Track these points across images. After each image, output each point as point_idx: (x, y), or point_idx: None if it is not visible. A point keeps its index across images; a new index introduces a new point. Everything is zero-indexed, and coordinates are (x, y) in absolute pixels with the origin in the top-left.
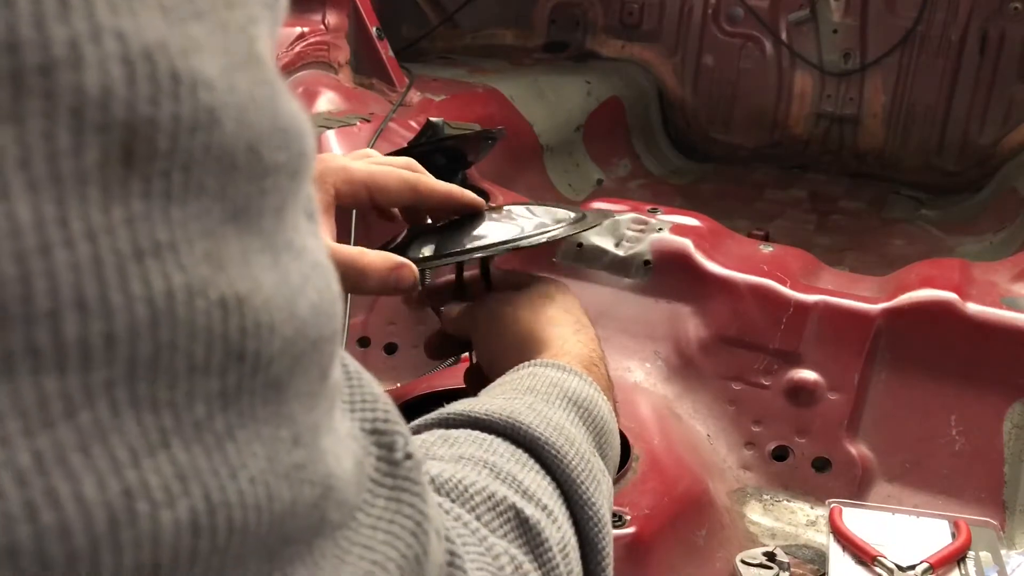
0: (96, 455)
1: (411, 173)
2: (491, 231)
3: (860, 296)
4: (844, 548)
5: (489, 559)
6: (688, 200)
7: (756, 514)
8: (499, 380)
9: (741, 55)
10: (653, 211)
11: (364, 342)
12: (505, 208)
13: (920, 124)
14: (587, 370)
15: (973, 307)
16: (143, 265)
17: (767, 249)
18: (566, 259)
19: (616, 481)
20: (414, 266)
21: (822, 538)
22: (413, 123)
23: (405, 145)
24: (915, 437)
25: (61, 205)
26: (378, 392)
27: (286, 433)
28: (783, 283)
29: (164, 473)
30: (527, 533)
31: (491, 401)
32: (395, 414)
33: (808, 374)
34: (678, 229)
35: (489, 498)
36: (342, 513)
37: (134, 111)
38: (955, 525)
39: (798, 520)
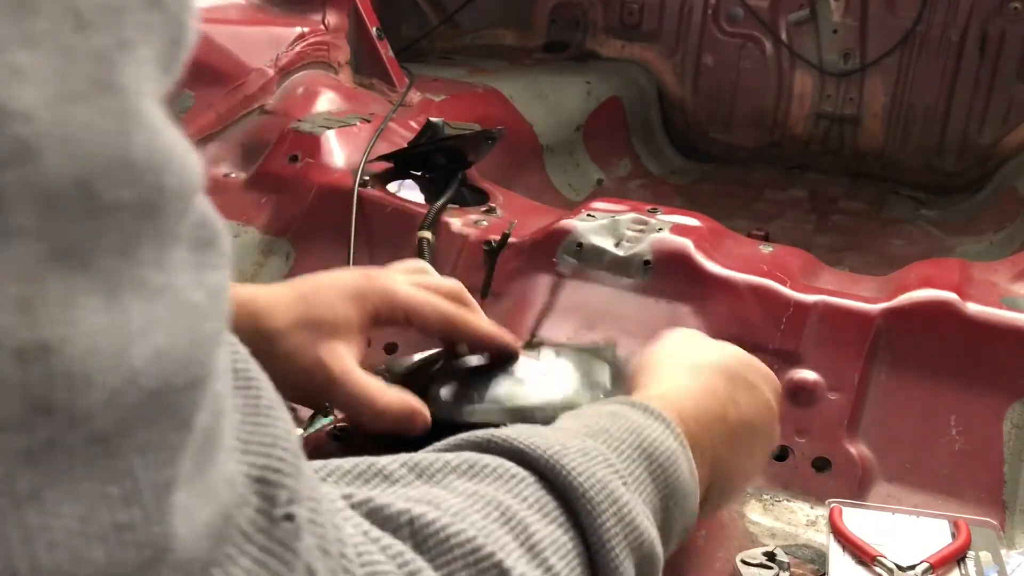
0: None
1: (452, 307)
2: (519, 392)
3: (860, 296)
4: (844, 548)
5: None
6: (688, 200)
7: (756, 514)
8: (575, 412)
9: (741, 55)
10: (653, 211)
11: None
12: (542, 352)
13: (920, 124)
14: (683, 423)
15: (973, 307)
16: None
17: (767, 249)
18: (565, 259)
19: None
20: (428, 417)
21: (822, 538)
22: (413, 123)
23: (406, 145)
24: (915, 437)
25: None
26: (281, 435)
27: (115, 490)
28: (783, 283)
29: None
30: None
31: (551, 433)
32: (292, 464)
33: (808, 374)
34: (678, 229)
35: (472, 552)
36: (185, 574)
37: None
38: (955, 525)
39: (798, 520)
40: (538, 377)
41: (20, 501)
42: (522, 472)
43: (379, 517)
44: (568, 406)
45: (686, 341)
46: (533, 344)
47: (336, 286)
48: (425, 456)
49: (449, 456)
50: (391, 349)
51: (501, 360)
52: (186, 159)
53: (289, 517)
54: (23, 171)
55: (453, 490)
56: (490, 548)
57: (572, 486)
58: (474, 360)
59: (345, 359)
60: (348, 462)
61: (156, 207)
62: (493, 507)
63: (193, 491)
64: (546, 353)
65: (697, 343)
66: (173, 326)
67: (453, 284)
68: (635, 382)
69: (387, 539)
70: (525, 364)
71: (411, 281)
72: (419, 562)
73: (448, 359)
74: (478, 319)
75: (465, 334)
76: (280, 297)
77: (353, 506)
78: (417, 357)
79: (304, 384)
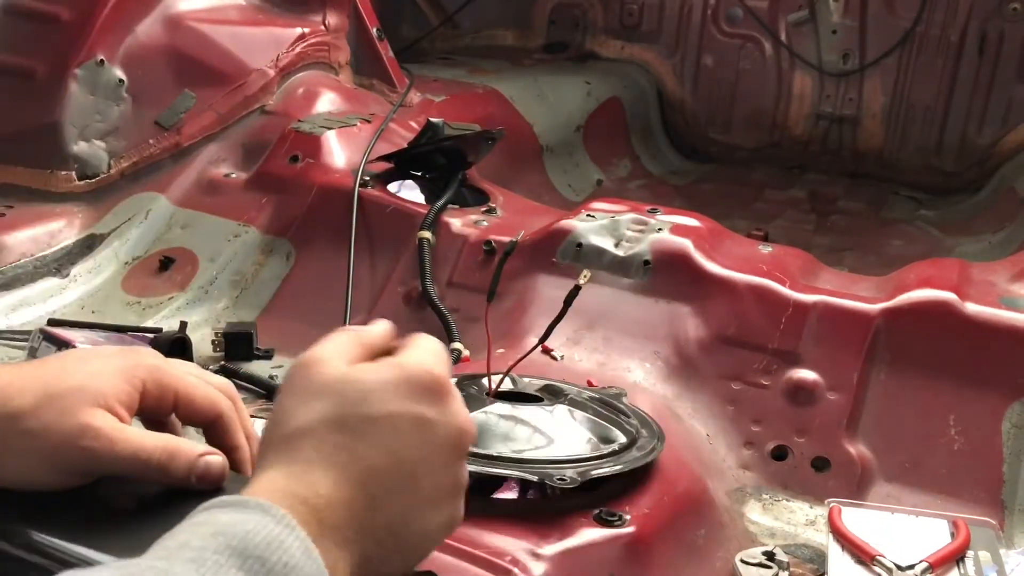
0: None
1: (226, 402)
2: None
3: (859, 296)
4: (843, 547)
5: None
6: (688, 200)
7: (755, 513)
8: (164, 537)
9: (740, 56)
10: (653, 211)
11: None
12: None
13: (919, 124)
14: (292, 511)
15: (972, 307)
16: None
17: (766, 249)
18: (565, 259)
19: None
20: (221, 456)
21: (821, 538)
22: (413, 123)
23: (406, 146)
24: (914, 437)
25: None
26: None
27: None
28: (782, 283)
29: None
30: None
31: (105, 571)
32: None
33: (807, 374)
34: (678, 229)
35: None
36: None
37: None
38: (954, 525)
39: (797, 520)
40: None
41: None
42: None
43: None
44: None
45: (290, 395)
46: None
47: (96, 359)
48: None
49: None
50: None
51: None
52: None
53: None
54: None
55: None
56: None
57: None
58: None
59: (115, 421)
60: None
61: None
62: None
63: None
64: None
65: (298, 395)
66: None
67: (224, 380)
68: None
69: None
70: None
71: (183, 369)
72: None
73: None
74: (246, 422)
75: (231, 434)
76: (23, 375)
77: None
78: None
79: (68, 459)
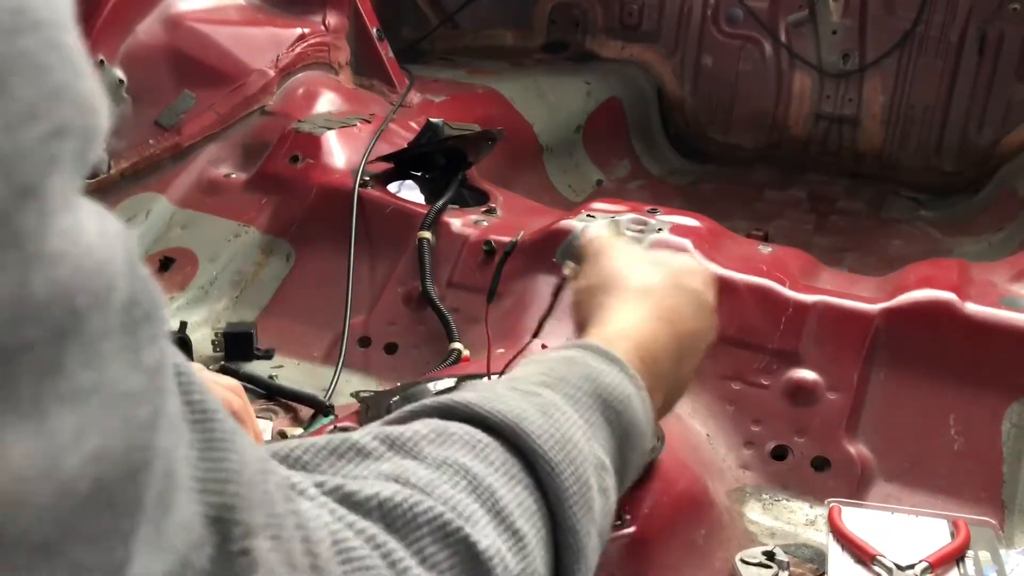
0: None
1: (237, 400)
2: None
3: (859, 296)
4: (843, 547)
5: None
6: (687, 200)
7: (755, 513)
8: (539, 356)
9: (740, 56)
10: (653, 211)
11: (364, 342)
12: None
13: (919, 125)
14: (641, 361)
15: (972, 307)
16: None
17: (766, 249)
18: (565, 259)
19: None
20: None
21: (821, 537)
22: (413, 124)
23: (406, 146)
24: (914, 437)
25: None
26: (234, 469)
27: None
28: (782, 283)
29: None
30: (475, 568)
31: (503, 396)
32: (246, 497)
33: (807, 374)
34: (678, 229)
35: (439, 528)
36: None
37: None
38: (954, 524)
39: (797, 519)
40: None
41: None
42: (486, 438)
43: (351, 503)
44: None
45: (629, 257)
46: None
47: None
48: (395, 428)
49: (418, 426)
50: (391, 349)
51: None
52: (100, 261)
53: (245, 552)
54: None
55: (424, 460)
56: (457, 523)
57: (533, 449)
58: (438, 386)
59: None
60: (323, 439)
61: (71, 327)
62: (461, 476)
63: (150, 551)
64: None
65: (637, 259)
66: (107, 424)
67: (234, 382)
68: (590, 311)
69: (361, 522)
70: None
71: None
72: (391, 543)
73: (406, 388)
74: (253, 422)
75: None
76: None
77: (326, 493)
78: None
79: None
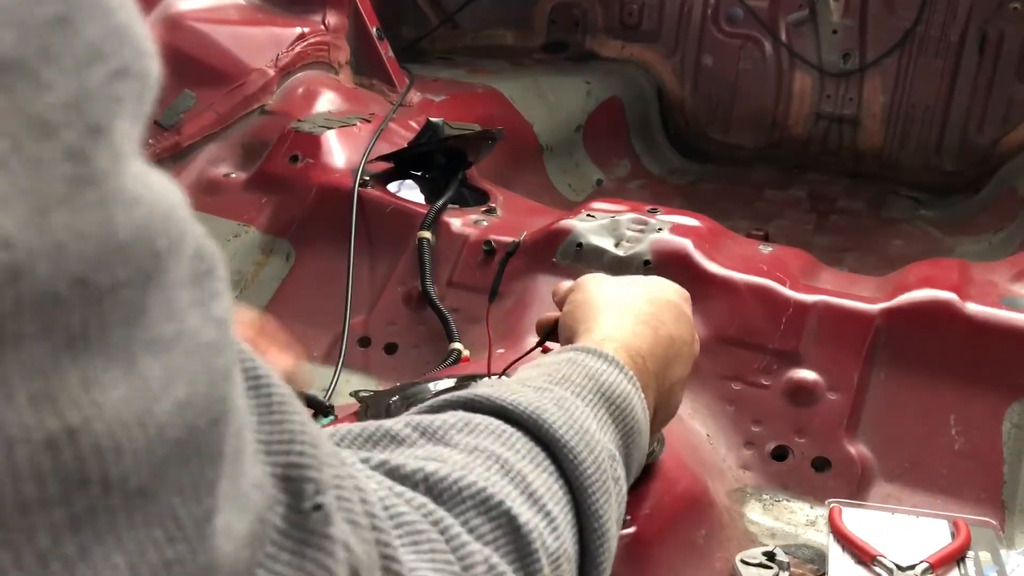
0: None
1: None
2: None
3: (859, 296)
4: (844, 548)
5: (457, 568)
6: (688, 200)
7: (756, 514)
8: (538, 361)
9: (740, 55)
10: (653, 211)
11: (364, 342)
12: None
13: (919, 124)
14: (632, 361)
15: (972, 307)
16: None
17: (766, 249)
18: (565, 259)
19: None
20: None
21: (822, 538)
22: (413, 123)
23: (406, 145)
24: (914, 437)
25: None
26: (297, 429)
27: (159, 533)
28: (782, 283)
29: None
30: (516, 541)
31: (522, 390)
32: (312, 454)
33: (807, 374)
34: (678, 229)
35: (483, 502)
36: None
37: None
38: (954, 525)
39: (798, 520)
40: None
41: (72, 563)
42: (511, 428)
43: (397, 476)
44: None
45: (604, 281)
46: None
47: None
48: (426, 417)
49: (446, 416)
50: (391, 349)
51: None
52: (170, 207)
53: (318, 507)
54: (16, 289)
55: (455, 446)
56: (499, 496)
57: (555, 438)
58: (438, 386)
59: None
60: (358, 427)
61: (157, 270)
62: (493, 460)
63: (231, 507)
64: None
65: (614, 281)
66: (191, 372)
67: (254, 315)
68: (575, 328)
69: (409, 493)
70: None
71: None
72: (440, 512)
73: (406, 388)
74: (278, 337)
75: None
76: None
77: (372, 468)
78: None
79: None
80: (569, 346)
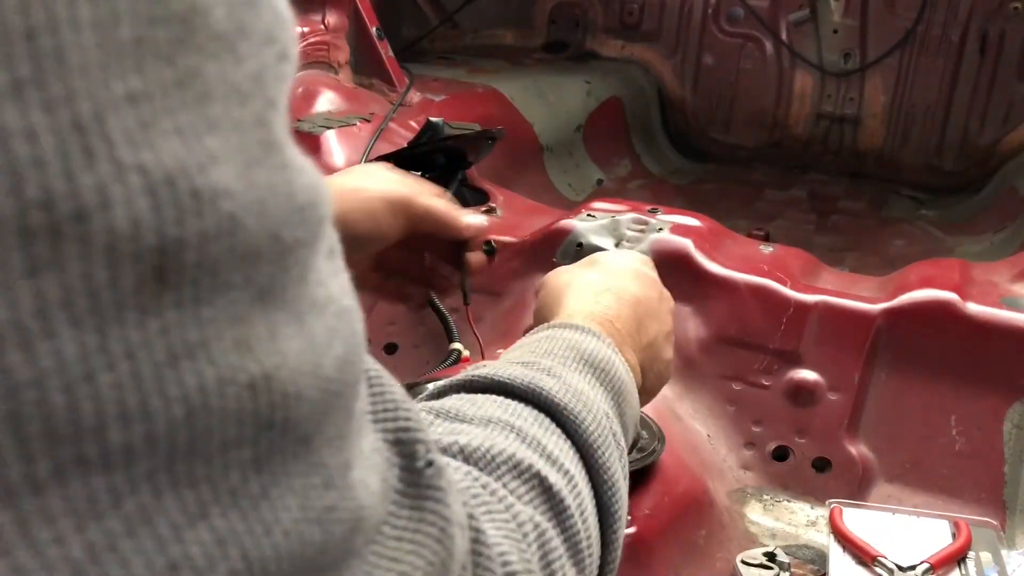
0: (142, 537)
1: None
2: None
3: (860, 296)
4: (844, 548)
5: (514, 526)
6: (688, 200)
7: (756, 514)
8: (519, 343)
9: (741, 55)
10: (653, 211)
11: None
12: None
13: (920, 124)
14: (601, 327)
15: (973, 307)
16: (178, 368)
17: (767, 249)
18: (565, 258)
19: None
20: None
21: (822, 538)
22: (413, 123)
23: (405, 145)
24: (915, 437)
25: (102, 333)
26: (399, 397)
27: (317, 480)
28: (783, 283)
29: (205, 541)
30: (550, 500)
31: (511, 367)
32: (416, 419)
33: (808, 374)
34: (678, 229)
35: (515, 466)
36: (369, 535)
37: (163, 235)
38: (955, 525)
39: (798, 520)
40: None
41: (256, 501)
42: (511, 400)
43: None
44: None
45: (562, 272)
46: None
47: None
48: (433, 402)
49: (451, 398)
50: (391, 349)
51: None
52: (322, 183)
53: (430, 464)
54: (232, 239)
55: (471, 421)
56: (528, 460)
57: (555, 403)
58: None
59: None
60: None
61: (318, 235)
62: (508, 429)
63: (361, 465)
64: None
65: (571, 268)
66: (344, 333)
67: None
68: (545, 319)
69: (454, 462)
70: None
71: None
72: (484, 476)
73: (406, 388)
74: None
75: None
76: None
77: None
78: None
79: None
80: (541, 326)
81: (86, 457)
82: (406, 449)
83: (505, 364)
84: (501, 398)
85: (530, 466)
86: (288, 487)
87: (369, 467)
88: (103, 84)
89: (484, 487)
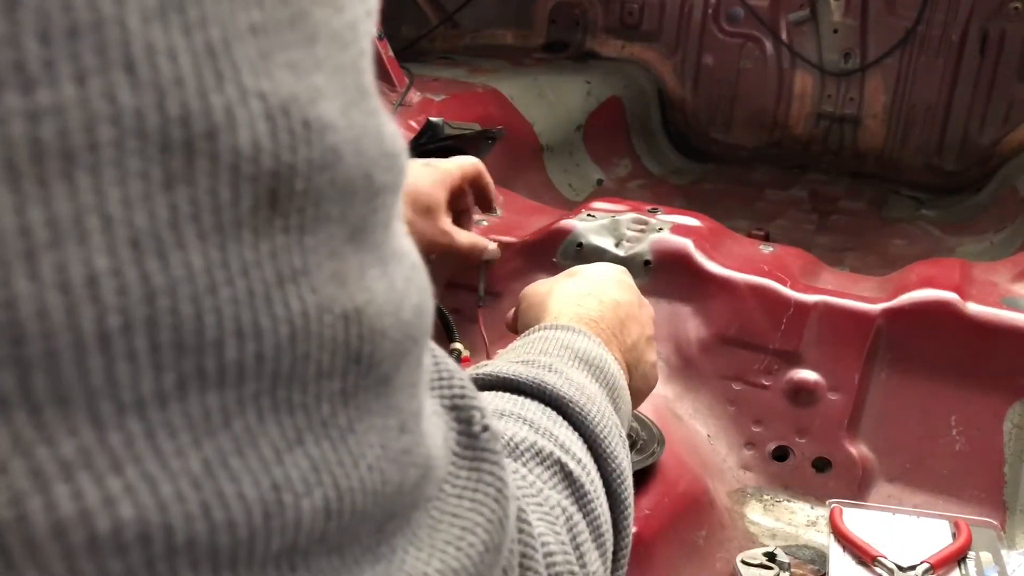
0: (249, 456)
1: (480, 165)
2: None
3: (860, 296)
4: (844, 548)
5: (547, 509)
6: (688, 200)
7: (756, 514)
8: (512, 345)
9: (741, 55)
10: (653, 211)
11: None
12: None
13: (920, 124)
14: (588, 327)
15: (973, 307)
16: (284, 290)
17: (767, 249)
18: (566, 258)
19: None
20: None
21: (822, 538)
22: (413, 123)
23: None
24: (915, 437)
25: (223, 249)
26: (453, 367)
27: (394, 422)
28: (783, 283)
29: (302, 467)
30: (572, 485)
31: (513, 365)
32: (470, 388)
33: (808, 374)
34: (678, 229)
35: (537, 453)
36: (434, 489)
37: (278, 160)
38: (955, 525)
39: (798, 520)
40: None
41: (344, 433)
42: (519, 396)
43: None
44: None
45: (539, 285)
46: None
47: (425, 176)
48: None
49: None
50: None
51: None
52: (401, 136)
53: (486, 428)
54: (335, 171)
55: None
56: (548, 448)
57: (559, 396)
58: None
59: (452, 225)
60: None
61: (399, 184)
62: (522, 421)
63: (428, 420)
64: None
65: (548, 280)
66: (416, 284)
67: (471, 159)
68: (531, 321)
69: None
70: None
71: (456, 162)
72: (513, 463)
73: None
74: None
75: (487, 179)
76: None
77: None
78: None
79: (433, 248)
80: (531, 329)
81: (205, 371)
82: (463, 415)
83: (506, 363)
84: (508, 394)
85: (551, 453)
86: (371, 425)
87: (434, 424)
88: (230, 13)
89: (515, 472)
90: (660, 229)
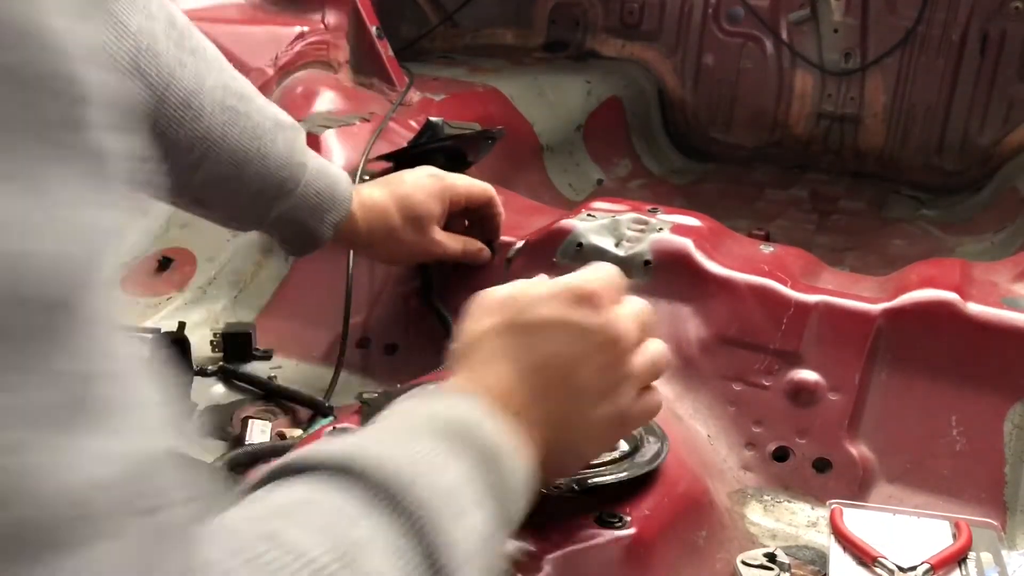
0: None
1: (490, 189)
2: None
3: (861, 296)
4: (845, 549)
5: None
6: (688, 200)
7: (757, 515)
8: (381, 414)
9: (741, 55)
10: (653, 211)
11: (364, 343)
12: None
13: (920, 124)
14: (491, 392)
15: (974, 307)
16: None
17: (767, 249)
18: (565, 258)
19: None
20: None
21: (823, 539)
22: (413, 123)
23: (405, 145)
24: (916, 437)
25: None
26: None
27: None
28: (784, 283)
29: None
30: None
31: (341, 441)
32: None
33: (809, 374)
34: (678, 229)
35: None
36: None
37: None
38: (956, 526)
39: (799, 521)
40: None
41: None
42: (319, 487)
43: None
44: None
45: (485, 312)
46: None
47: (421, 189)
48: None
49: (253, 495)
50: (391, 349)
51: None
52: (76, 52)
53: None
54: None
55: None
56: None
57: (363, 469)
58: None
59: (442, 233)
60: None
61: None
62: (278, 546)
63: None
64: None
65: (474, 316)
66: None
67: (484, 184)
68: (457, 354)
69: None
70: None
71: (462, 179)
72: None
73: (407, 389)
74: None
75: (496, 207)
76: (388, 198)
77: None
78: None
79: (422, 255)
80: (414, 390)
81: None
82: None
83: (338, 440)
84: (310, 487)
85: None
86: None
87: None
88: None
89: None
90: (660, 229)
